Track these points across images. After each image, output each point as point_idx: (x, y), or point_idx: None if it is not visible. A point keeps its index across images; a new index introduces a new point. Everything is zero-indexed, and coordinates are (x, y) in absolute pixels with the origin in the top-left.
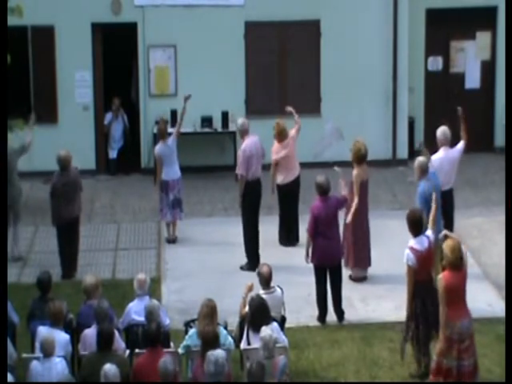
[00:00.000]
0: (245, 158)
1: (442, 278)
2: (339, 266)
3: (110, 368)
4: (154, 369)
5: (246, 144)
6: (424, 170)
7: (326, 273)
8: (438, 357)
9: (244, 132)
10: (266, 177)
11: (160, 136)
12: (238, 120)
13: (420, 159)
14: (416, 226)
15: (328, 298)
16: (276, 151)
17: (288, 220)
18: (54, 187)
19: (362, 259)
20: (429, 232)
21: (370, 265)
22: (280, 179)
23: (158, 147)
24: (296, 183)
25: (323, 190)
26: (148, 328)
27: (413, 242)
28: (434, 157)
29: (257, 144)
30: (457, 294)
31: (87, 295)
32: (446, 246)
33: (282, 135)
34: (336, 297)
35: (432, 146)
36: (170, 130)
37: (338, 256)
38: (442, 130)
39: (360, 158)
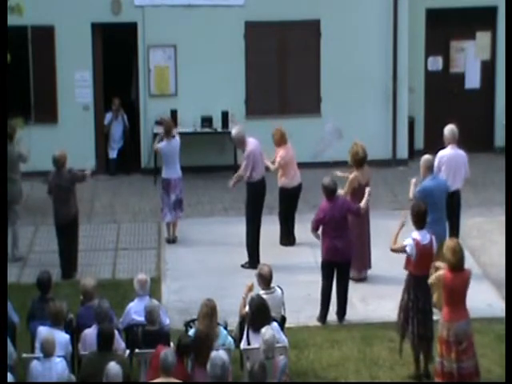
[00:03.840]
0: (249, 162)
1: (443, 277)
2: (347, 264)
3: (113, 366)
4: None
5: (250, 150)
6: (429, 167)
7: (334, 271)
8: (439, 358)
9: (241, 142)
10: (268, 178)
11: (166, 134)
12: (233, 130)
13: (426, 157)
14: (420, 219)
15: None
16: (281, 155)
17: (288, 220)
18: (49, 185)
19: (359, 260)
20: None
21: (370, 267)
22: (285, 182)
23: (163, 145)
24: (299, 187)
25: (330, 192)
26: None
27: (416, 234)
28: (441, 153)
29: (258, 146)
30: (457, 294)
31: (87, 297)
32: (447, 247)
33: (282, 139)
34: (341, 296)
35: (433, 145)
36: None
37: (346, 254)
38: (450, 128)
39: (358, 161)
